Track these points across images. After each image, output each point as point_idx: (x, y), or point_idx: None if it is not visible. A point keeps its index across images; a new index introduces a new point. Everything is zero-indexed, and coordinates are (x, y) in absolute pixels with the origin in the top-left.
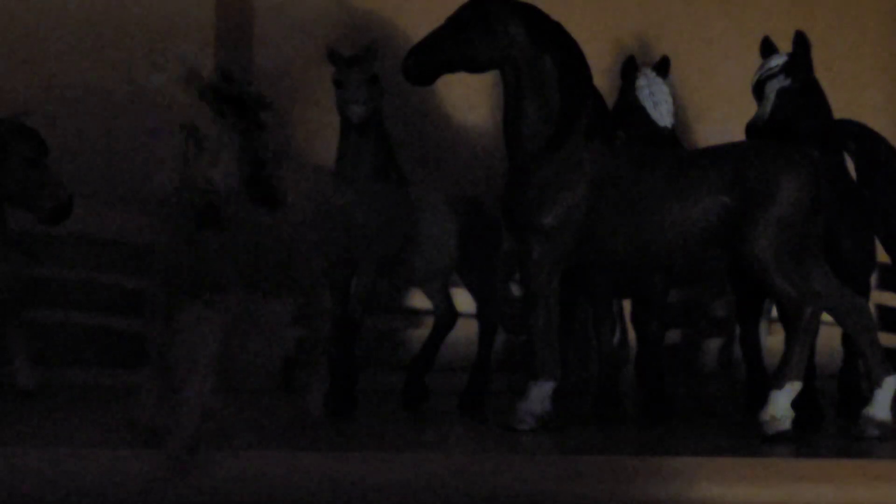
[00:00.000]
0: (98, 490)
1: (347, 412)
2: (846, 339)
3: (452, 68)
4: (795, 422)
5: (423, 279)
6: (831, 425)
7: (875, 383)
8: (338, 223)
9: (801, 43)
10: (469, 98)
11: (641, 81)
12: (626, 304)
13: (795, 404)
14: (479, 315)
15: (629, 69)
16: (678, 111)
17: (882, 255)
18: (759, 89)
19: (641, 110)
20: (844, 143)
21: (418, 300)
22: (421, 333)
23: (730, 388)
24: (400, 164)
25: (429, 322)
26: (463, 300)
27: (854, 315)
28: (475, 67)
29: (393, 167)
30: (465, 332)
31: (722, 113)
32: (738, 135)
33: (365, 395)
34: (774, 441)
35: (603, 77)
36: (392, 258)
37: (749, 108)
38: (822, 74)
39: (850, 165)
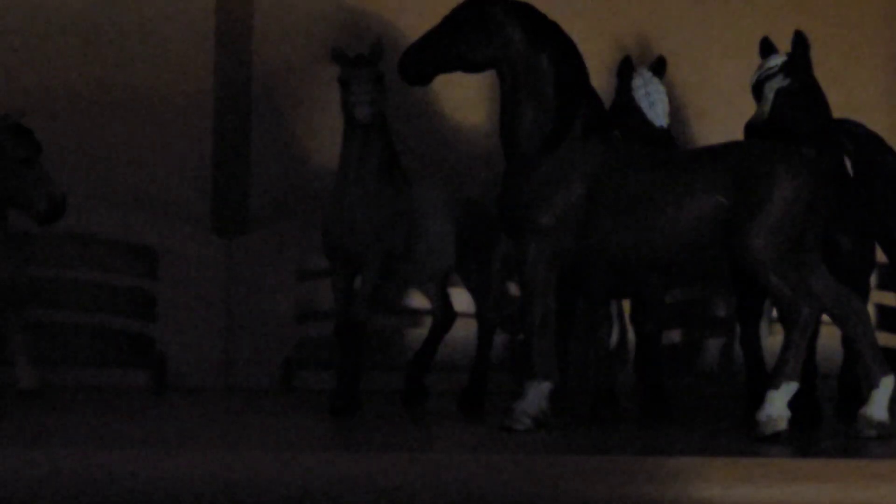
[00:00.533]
0: (98, 490)
1: (351, 412)
2: (846, 340)
3: (449, 68)
4: (794, 422)
5: (422, 279)
6: (831, 425)
7: (872, 384)
8: (343, 223)
9: (801, 43)
10: (469, 98)
11: (637, 81)
12: (627, 305)
13: (794, 404)
14: (478, 315)
15: (625, 69)
16: (677, 111)
17: (882, 255)
18: (758, 89)
19: (637, 110)
20: (841, 144)
21: (417, 300)
22: (420, 333)
23: (730, 388)
24: (402, 164)
25: (428, 322)
26: (462, 300)
27: (851, 315)
28: (471, 67)
29: (396, 167)
30: (465, 331)
31: (722, 113)
32: (738, 135)
33: (365, 395)
34: (770, 441)
35: (602, 77)
36: (395, 258)
37: (748, 108)
38: (821, 74)
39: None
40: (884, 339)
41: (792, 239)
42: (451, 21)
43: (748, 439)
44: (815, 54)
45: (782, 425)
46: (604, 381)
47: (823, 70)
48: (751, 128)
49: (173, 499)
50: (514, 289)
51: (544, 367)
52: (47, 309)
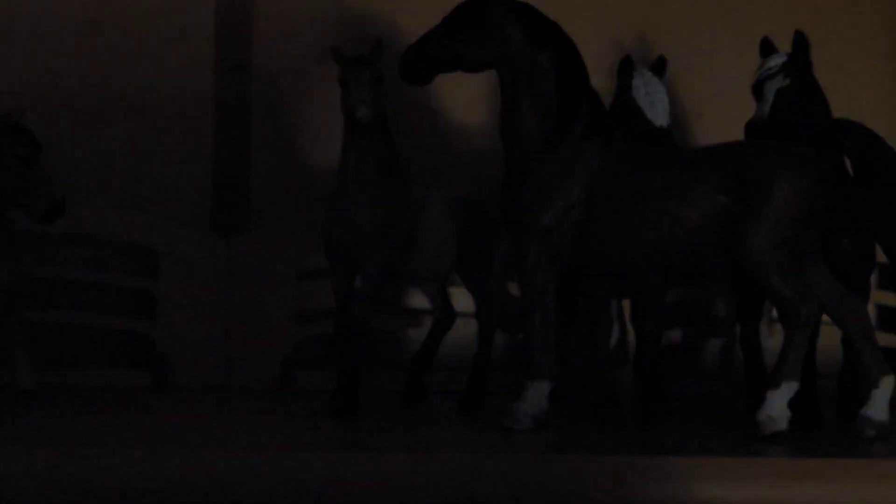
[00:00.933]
0: (98, 490)
1: (351, 412)
2: (846, 340)
3: (448, 68)
4: (794, 422)
5: (423, 279)
6: (831, 425)
7: (872, 384)
8: (343, 223)
9: (801, 43)
10: (469, 98)
11: (637, 81)
12: (627, 304)
13: (794, 404)
14: (478, 315)
15: (625, 69)
16: (677, 111)
17: (882, 255)
18: (758, 89)
19: (637, 110)
20: (841, 144)
21: (417, 300)
22: (420, 333)
23: (730, 388)
24: (403, 164)
25: (428, 322)
26: (462, 300)
27: (851, 315)
28: (471, 67)
29: (396, 167)
30: (465, 332)
31: (722, 113)
32: (738, 135)
33: (365, 395)
34: (770, 441)
35: (603, 77)
36: (395, 258)
37: (749, 108)
38: (821, 74)
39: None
40: (884, 339)
41: (792, 239)
42: (451, 21)
43: (748, 439)
44: (816, 55)
45: (782, 425)
46: (604, 381)
47: (823, 70)
48: (751, 128)
49: (172, 499)
50: (514, 289)
51: (544, 367)
52: (47, 309)
